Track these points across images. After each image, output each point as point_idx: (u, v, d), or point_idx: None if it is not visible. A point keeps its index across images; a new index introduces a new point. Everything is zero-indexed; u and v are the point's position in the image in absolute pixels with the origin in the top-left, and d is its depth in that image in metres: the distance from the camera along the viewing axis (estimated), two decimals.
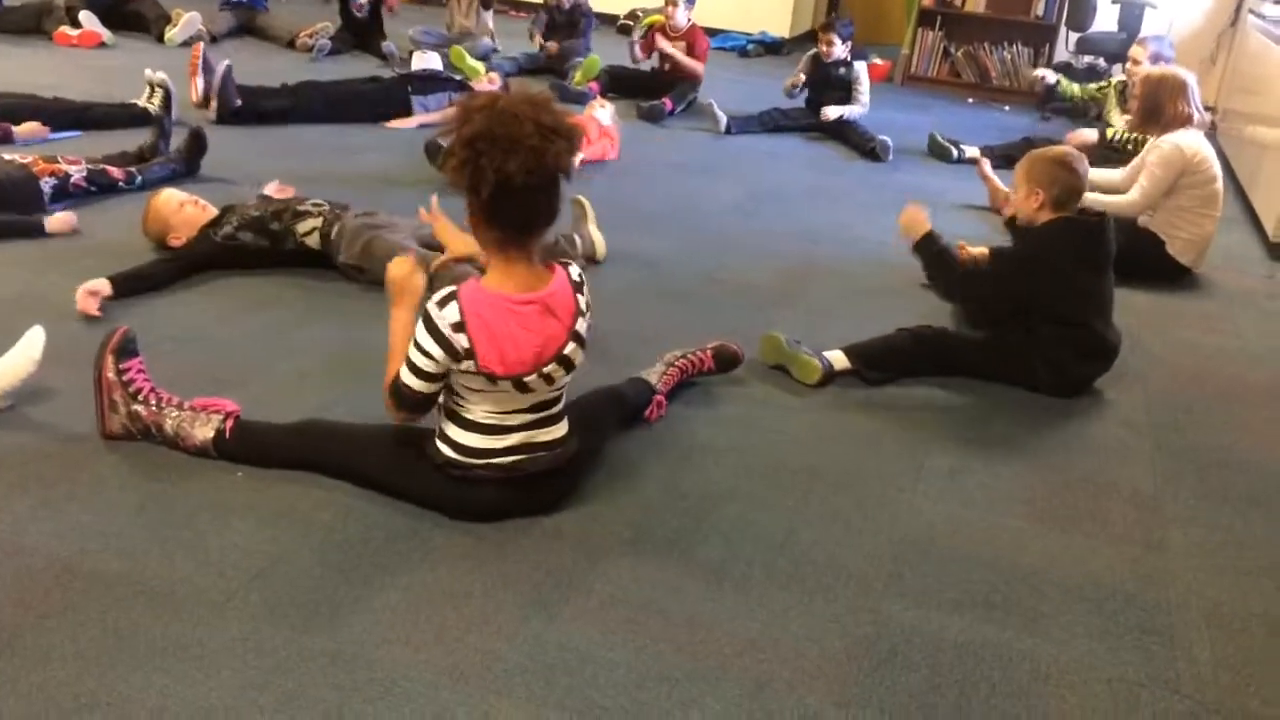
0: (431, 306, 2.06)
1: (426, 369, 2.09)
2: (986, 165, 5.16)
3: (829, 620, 2.05)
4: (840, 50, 6.11)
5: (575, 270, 2.19)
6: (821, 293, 3.84)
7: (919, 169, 5.76)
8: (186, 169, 4.27)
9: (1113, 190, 4.24)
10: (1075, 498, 2.59)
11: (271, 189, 3.94)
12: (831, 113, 6.13)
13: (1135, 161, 4.29)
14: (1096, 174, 4.20)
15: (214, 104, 5.12)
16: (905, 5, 8.74)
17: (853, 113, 6.16)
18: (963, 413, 3.00)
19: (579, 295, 2.16)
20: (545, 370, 2.11)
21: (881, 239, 4.46)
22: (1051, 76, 6.72)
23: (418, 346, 2.08)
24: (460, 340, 2.04)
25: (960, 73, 8.17)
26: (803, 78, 6.25)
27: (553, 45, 7.19)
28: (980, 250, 3.98)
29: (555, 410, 2.23)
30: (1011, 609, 2.13)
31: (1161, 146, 4.06)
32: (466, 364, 2.06)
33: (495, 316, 2.05)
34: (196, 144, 4.29)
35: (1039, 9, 7.82)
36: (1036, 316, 3.07)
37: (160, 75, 4.86)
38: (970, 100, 7.97)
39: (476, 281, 2.10)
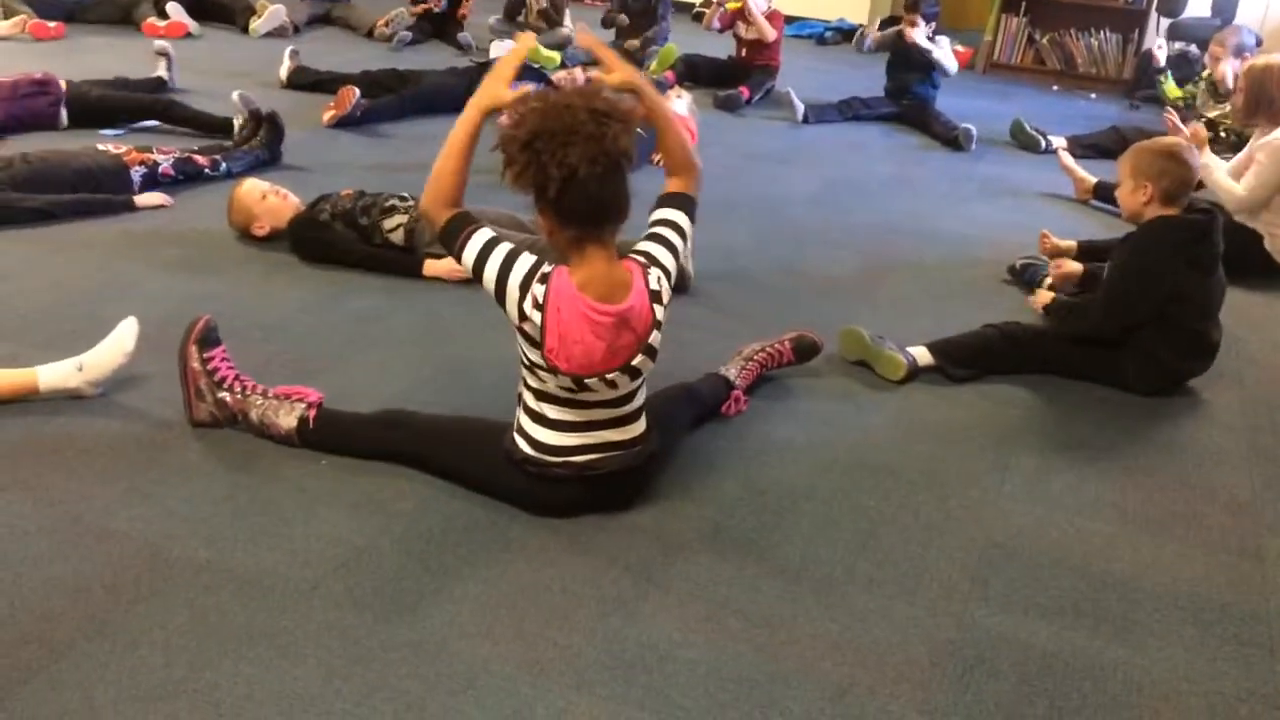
0: (534, 269, 2.05)
1: (489, 271, 2.06)
2: (1067, 156, 5.03)
3: (912, 624, 2.00)
4: (924, 30, 5.97)
5: (655, 276, 2.15)
6: (902, 286, 3.77)
7: (1003, 159, 5.63)
8: (270, 156, 4.34)
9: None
10: (1168, 502, 2.50)
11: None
12: (919, 35, 5.90)
13: (1242, 155, 4.12)
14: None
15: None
16: None
17: (942, 58, 5.95)
18: (1049, 411, 2.92)
19: (656, 306, 2.13)
20: (608, 377, 2.10)
21: (964, 231, 4.37)
22: (1161, 57, 6.55)
23: (505, 265, 2.04)
24: (534, 316, 2.03)
25: (1045, 60, 7.96)
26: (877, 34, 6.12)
27: (624, 18, 7.17)
28: (1068, 243, 3.88)
29: (631, 408, 2.21)
30: (1102, 617, 2.07)
31: (1274, 141, 3.90)
32: (533, 353, 2.06)
33: (572, 317, 2.03)
34: (274, 129, 4.35)
35: None
36: (1142, 322, 2.97)
37: (160, 44, 5.34)
38: (1055, 88, 7.77)
39: (568, 274, 2.07)
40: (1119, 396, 3.00)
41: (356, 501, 2.24)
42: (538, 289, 2.03)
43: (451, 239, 2.11)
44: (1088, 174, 4.88)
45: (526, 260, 2.07)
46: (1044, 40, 7.92)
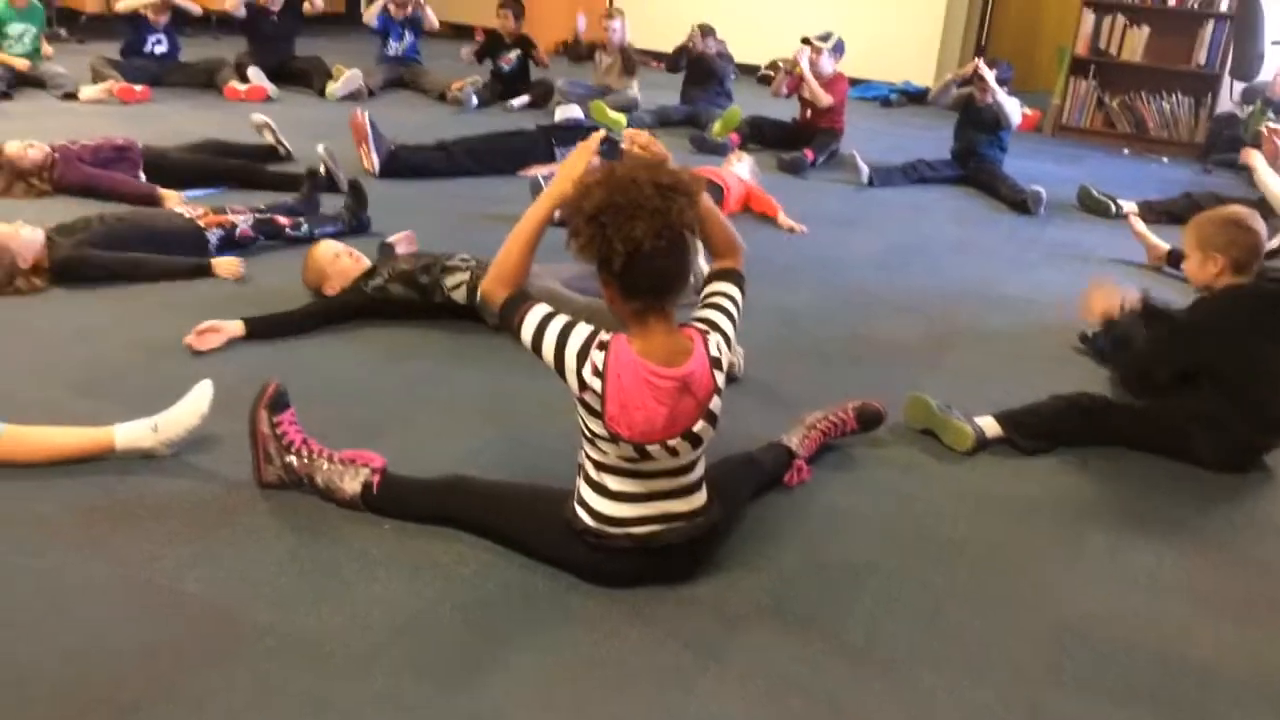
0: (592, 336, 2.07)
1: (547, 344, 2.07)
2: (1138, 222, 4.96)
3: (981, 707, 1.95)
4: (997, 90, 5.94)
5: (715, 343, 2.15)
6: (968, 353, 3.72)
7: (1072, 224, 5.56)
8: (356, 222, 4.39)
9: None
10: (1248, 584, 2.42)
11: (398, 239, 4.05)
12: (985, 70, 5.85)
13: None
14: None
15: (375, 162, 5.32)
16: (1055, 54, 8.51)
17: (1005, 102, 5.90)
18: (1123, 486, 2.85)
19: (716, 372, 2.13)
20: (670, 444, 2.09)
21: (1032, 297, 4.32)
22: (1243, 111, 6.46)
23: (562, 336, 2.06)
24: (594, 384, 2.03)
25: (1115, 123, 7.89)
26: (954, 89, 6.12)
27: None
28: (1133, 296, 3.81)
29: (692, 479, 2.20)
30: (1181, 706, 1.99)
31: None
32: (594, 424, 2.07)
33: (633, 383, 2.04)
34: (358, 196, 4.45)
35: (1200, 57, 7.50)
36: (1207, 387, 2.90)
37: (259, 117, 5.31)
38: (1126, 151, 7.68)
39: (628, 341, 2.08)
40: (1193, 471, 2.92)
41: (418, 565, 2.25)
42: (596, 355, 2.05)
43: (510, 316, 2.14)
44: (1160, 240, 4.80)
45: (584, 329, 2.09)
46: (1114, 103, 7.86)
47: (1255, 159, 4.36)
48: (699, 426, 2.11)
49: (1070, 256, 4.97)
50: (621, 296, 2.06)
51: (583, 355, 2.05)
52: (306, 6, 7.52)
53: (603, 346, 2.05)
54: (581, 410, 2.10)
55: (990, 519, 2.63)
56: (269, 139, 5.31)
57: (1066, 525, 2.62)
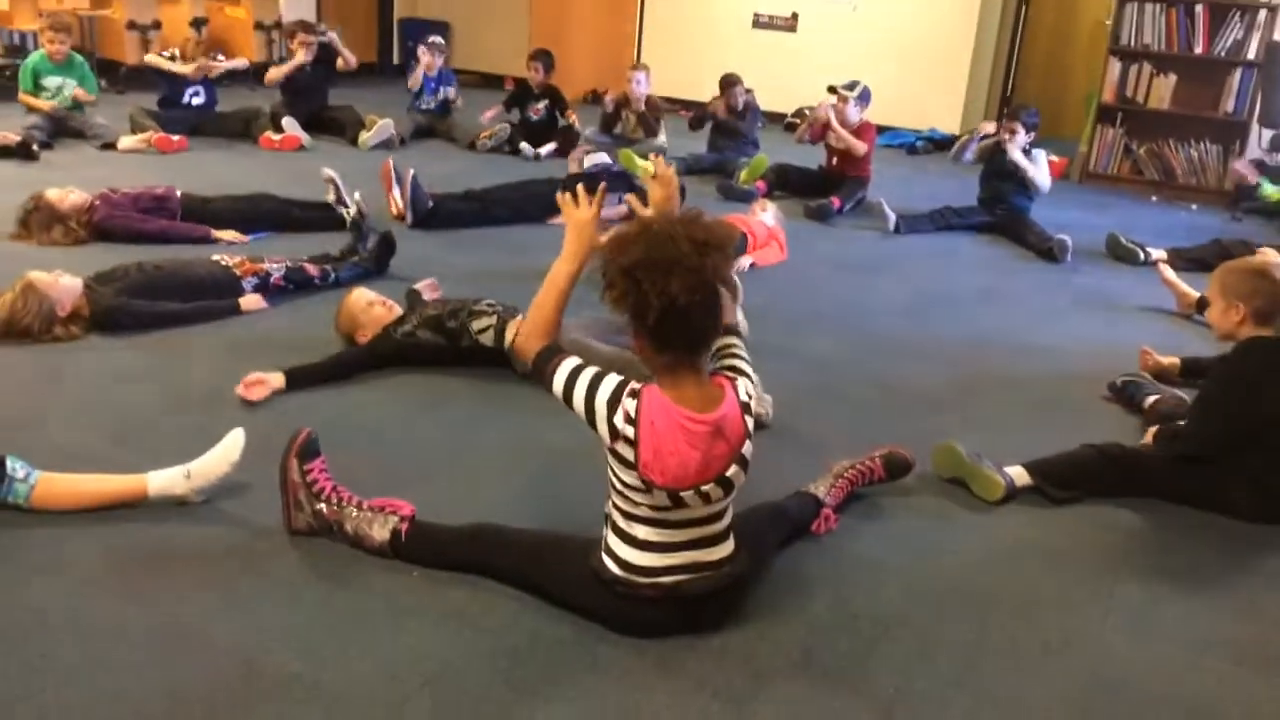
0: (622, 385, 2.09)
1: (578, 394, 2.10)
2: (1167, 270, 4.94)
3: None
4: (1023, 140, 5.96)
5: (744, 389, 2.17)
6: (996, 402, 3.70)
7: (1100, 271, 5.54)
8: (377, 269, 4.50)
9: None
10: None
11: (423, 286, 4.10)
12: (1016, 149, 5.89)
13: None
14: None
15: (408, 212, 5.38)
16: (1084, 101, 8.53)
17: (1036, 175, 5.94)
18: (1155, 537, 2.82)
19: (747, 417, 2.15)
20: (704, 489, 2.10)
21: (1060, 345, 4.30)
22: (1254, 176, 6.38)
23: (592, 386, 2.09)
24: (627, 431, 2.05)
25: (1143, 170, 7.88)
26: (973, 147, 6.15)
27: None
28: (1171, 360, 3.80)
29: (720, 528, 2.20)
30: None
31: None
32: (627, 474, 2.08)
33: (666, 428, 2.05)
34: (386, 246, 4.52)
35: (1229, 105, 7.48)
36: (1241, 438, 2.87)
37: (327, 171, 5.19)
38: (1154, 199, 7.66)
39: (659, 390, 2.10)
40: (1226, 523, 2.89)
41: (445, 614, 2.26)
42: (629, 403, 2.06)
43: (542, 368, 2.17)
44: (1190, 288, 4.78)
45: (613, 379, 2.11)
46: (1141, 150, 7.85)
47: None
48: (731, 471, 2.12)
49: (1098, 304, 4.95)
50: (653, 349, 2.08)
51: (614, 403, 2.07)
52: (340, 63, 7.66)
53: (634, 394, 2.07)
54: (613, 461, 2.11)
55: (1021, 570, 2.60)
56: (330, 196, 5.19)
57: (1098, 577, 2.59)
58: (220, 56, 7.75)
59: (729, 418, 2.11)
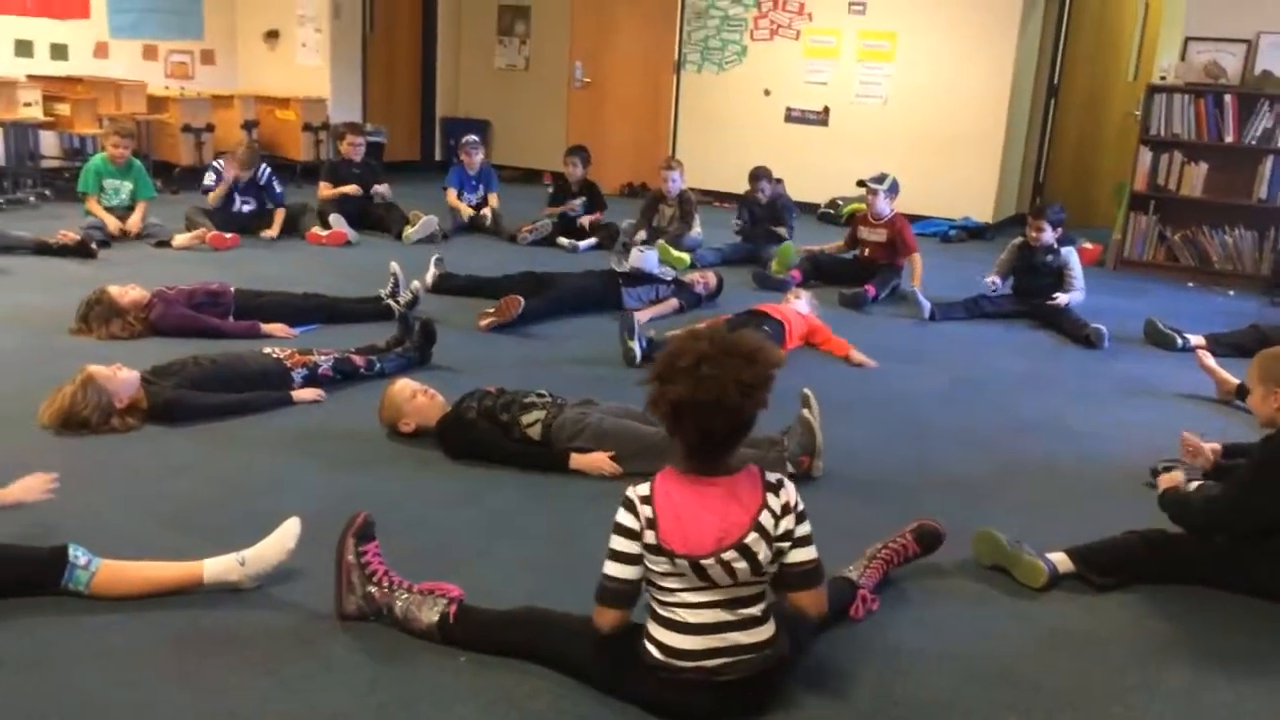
0: (629, 488, 2.22)
1: (622, 549, 2.20)
2: (1207, 356, 4.93)
3: None
4: (1049, 236, 6.04)
5: (773, 475, 2.26)
6: (1036, 489, 3.71)
7: (1138, 357, 5.55)
8: (420, 358, 4.61)
9: None
10: None
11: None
12: (1061, 299, 6.01)
13: None
14: None
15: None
16: (1114, 190, 8.60)
17: (1074, 299, 6.05)
18: (1199, 623, 2.81)
19: (769, 494, 2.20)
20: (724, 557, 2.14)
21: (1099, 432, 4.30)
22: None
23: (616, 526, 2.21)
24: (645, 510, 2.16)
25: (1178, 256, 7.90)
26: (998, 282, 6.22)
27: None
28: (1212, 445, 3.79)
29: (756, 611, 2.23)
30: None
31: None
32: (649, 534, 2.16)
33: (681, 494, 2.17)
34: (426, 335, 4.64)
35: (1261, 191, 7.53)
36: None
37: (394, 265, 5.39)
38: (1190, 285, 7.67)
39: (674, 470, 2.22)
40: (1273, 609, 2.86)
41: (493, 699, 2.29)
42: (642, 489, 2.20)
43: (602, 591, 2.28)
44: (1229, 374, 4.77)
45: (622, 512, 2.22)
46: (1175, 237, 7.88)
47: None
48: (750, 538, 2.16)
49: (1137, 391, 4.95)
50: (683, 454, 2.22)
51: (629, 505, 2.20)
52: (377, 197, 7.92)
53: (647, 494, 2.20)
54: (649, 557, 2.19)
55: (1064, 657, 2.60)
56: (386, 287, 5.38)
57: (1143, 663, 2.58)
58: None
59: (743, 481, 2.21)
